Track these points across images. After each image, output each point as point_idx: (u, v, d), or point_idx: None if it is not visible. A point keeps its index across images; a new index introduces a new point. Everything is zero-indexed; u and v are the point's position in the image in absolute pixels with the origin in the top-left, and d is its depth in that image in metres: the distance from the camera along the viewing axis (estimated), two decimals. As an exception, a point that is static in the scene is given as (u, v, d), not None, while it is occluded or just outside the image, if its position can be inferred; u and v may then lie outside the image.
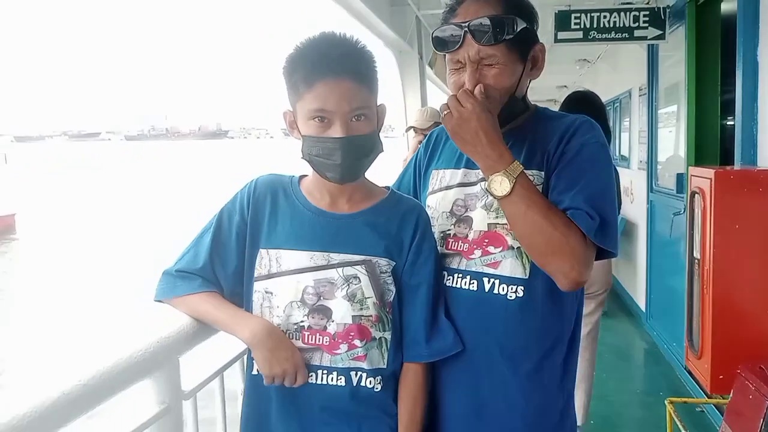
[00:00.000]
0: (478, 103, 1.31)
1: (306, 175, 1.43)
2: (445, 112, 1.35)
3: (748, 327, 2.70)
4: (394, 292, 1.36)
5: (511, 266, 1.39)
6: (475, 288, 1.42)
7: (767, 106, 3.01)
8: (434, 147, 1.64)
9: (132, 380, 1.21)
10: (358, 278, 1.32)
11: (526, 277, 1.39)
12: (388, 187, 1.47)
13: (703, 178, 2.81)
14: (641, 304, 5.83)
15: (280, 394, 1.34)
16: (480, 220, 1.43)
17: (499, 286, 1.40)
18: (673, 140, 4.92)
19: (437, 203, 1.52)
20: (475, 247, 1.43)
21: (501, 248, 1.40)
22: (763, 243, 2.66)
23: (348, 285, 1.32)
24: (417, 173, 1.67)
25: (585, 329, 3.27)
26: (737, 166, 3.16)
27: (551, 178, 1.38)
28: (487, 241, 1.42)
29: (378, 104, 1.34)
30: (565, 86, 10.74)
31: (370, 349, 1.33)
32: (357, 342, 1.32)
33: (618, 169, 7.19)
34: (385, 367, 1.35)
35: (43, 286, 18.80)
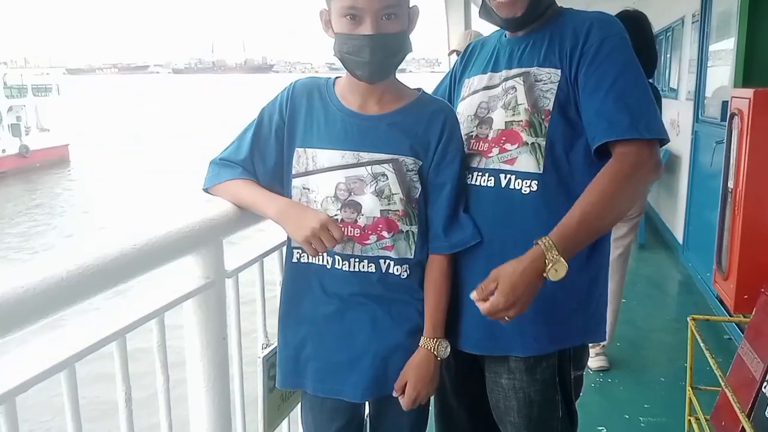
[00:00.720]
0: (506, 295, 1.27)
1: (341, 77, 1.51)
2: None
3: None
4: (420, 189, 1.45)
5: (526, 161, 1.45)
6: (492, 184, 1.48)
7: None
8: (469, 58, 1.69)
9: (180, 252, 1.36)
10: (386, 176, 1.42)
11: (540, 171, 1.44)
12: (419, 89, 1.53)
13: (742, 98, 2.79)
14: (679, 237, 5.80)
15: (319, 279, 1.48)
16: (499, 119, 1.49)
17: (514, 181, 1.46)
18: (723, 70, 4.77)
19: (465, 108, 1.58)
20: (493, 145, 1.49)
21: (516, 145, 1.46)
22: (798, 165, 2.66)
23: (376, 182, 1.42)
24: (452, 83, 1.73)
25: (616, 251, 3.30)
26: (783, 88, 3.10)
27: (578, 77, 1.41)
28: (504, 138, 1.48)
29: (411, 6, 1.39)
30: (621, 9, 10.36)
31: (397, 240, 1.44)
32: (385, 234, 1.43)
33: (665, 100, 7.05)
34: (412, 257, 1.46)
35: (100, 202, 19.79)
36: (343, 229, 1.40)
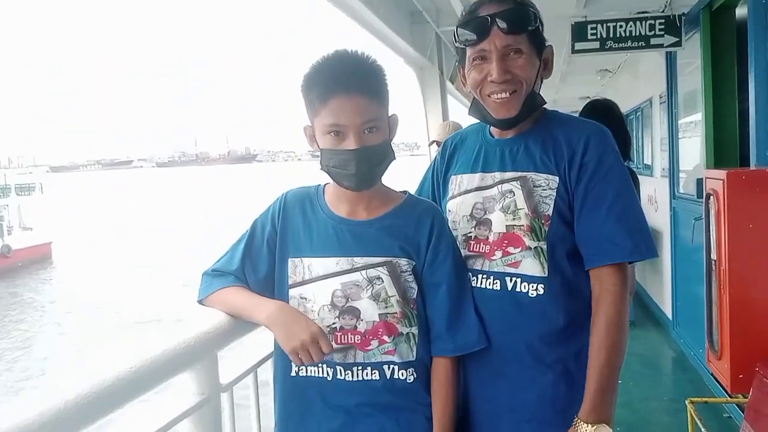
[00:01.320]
0: None
1: (329, 184, 1.54)
2: None
3: (765, 325, 2.73)
4: (416, 289, 1.46)
5: (531, 265, 1.48)
6: (498, 287, 1.50)
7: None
8: (451, 154, 1.71)
9: (175, 371, 1.33)
10: (381, 279, 1.43)
11: (545, 275, 1.47)
12: (405, 192, 1.57)
13: (716, 179, 2.87)
14: (668, 312, 5.82)
15: (320, 393, 1.45)
16: (498, 222, 1.52)
17: (520, 284, 1.48)
18: (694, 147, 4.95)
19: (457, 207, 1.60)
20: (495, 248, 1.51)
21: (520, 248, 1.49)
22: (778, 242, 2.71)
23: (372, 286, 1.42)
24: (435, 181, 1.75)
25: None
26: (753, 168, 3.21)
27: (576, 190, 1.46)
28: (506, 242, 1.50)
29: (390, 115, 1.45)
30: (588, 97, 10.78)
31: (398, 343, 1.43)
32: (386, 338, 1.42)
33: (641, 177, 7.23)
34: (414, 359, 1.45)
35: (81, 303, 19.44)
36: (343, 336, 1.40)
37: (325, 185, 1.55)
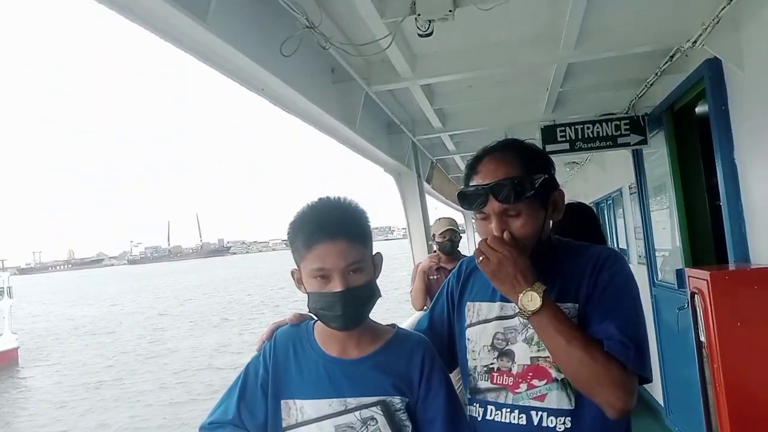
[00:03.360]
0: (512, 248, 1.44)
1: (318, 321, 1.55)
2: (481, 258, 1.47)
3: (766, 421, 2.74)
4: (410, 427, 1.45)
5: (558, 398, 1.47)
6: (524, 422, 1.48)
7: (752, 205, 3.20)
8: (466, 278, 1.71)
9: None
10: (375, 419, 1.42)
11: (573, 407, 1.46)
12: (393, 325, 1.59)
13: (699, 279, 2.96)
14: (659, 398, 5.78)
15: None
16: (522, 353, 1.51)
17: (547, 418, 1.46)
18: (668, 235, 5.10)
19: (477, 336, 1.60)
20: (520, 380, 1.50)
21: (545, 381, 1.48)
22: (767, 338, 2.77)
23: (366, 427, 1.41)
24: (450, 303, 1.73)
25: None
26: (732, 266, 3.31)
27: (586, 307, 1.48)
28: (531, 374, 1.49)
29: (374, 254, 1.50)
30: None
31: None
32: None
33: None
34: None
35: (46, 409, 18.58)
36: None
37: (314, 323, 1.56)
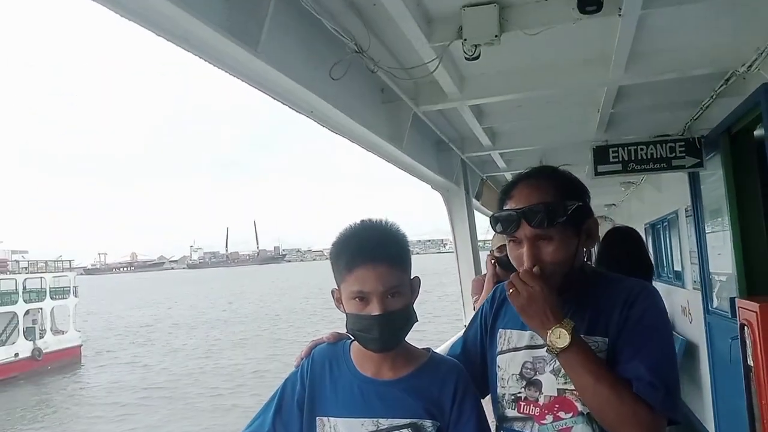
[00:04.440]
0: (544, 284, 1.44)
1: (355, 341, 1.60)
2: (511, 290, 1.47)
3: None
4: None
5: (582, 431, 1.47)
6: None
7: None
8: (499, 304, 1.72)
9: None
10: None
11: None
12: (428, 349, 1.62)
13: (749, 311, 2.88)
14: (710, 428, 5.58)
15: None
16: (549, 384, 1.52)
17: None
18: (725, 261, 4.94)
19: (506, 364, 1.61)
20: (546, 411, 1.51)
21: (571, 414, 1.48)
22: (818, 374, 2.68)
23: None
24: (483, 328, 1.74)
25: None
26: (786, 295, 3.21)
27: (617, 343, 1.47)
28: (557, 406, 1.50)
29: (412, 278, 1.54)
30: (614, 204, 10.90)
31: None
32: None
33: (672, 287, 7.13)
34: None
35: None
36: None
37: (351, 342, 1.60)
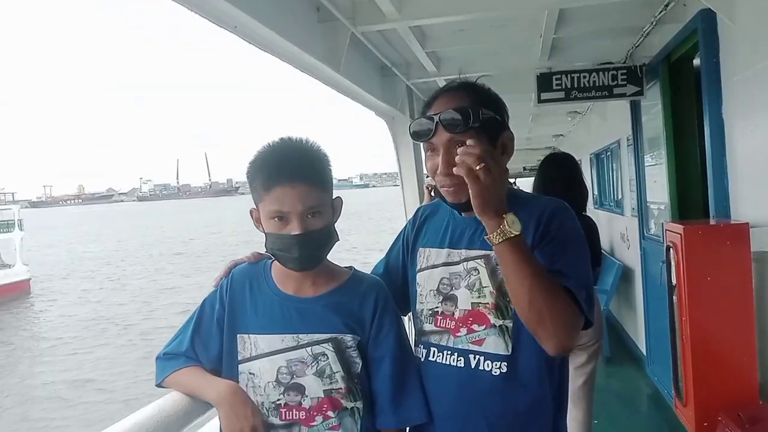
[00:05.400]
0: (504, 172, 1.40)
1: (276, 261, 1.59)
2: (478, 167, 1.32)
3: (727, 375, 2.81)
4: (360, 364, 1.51)
5: (495, 343, 1.51)
6: (462, 365, 1.53)
7: (736, 160, 3.18)
8: (421, 224, 1.75)
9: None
10: (326, 355, 1.48)
11: (509, 353, 1.50)
12: (350, 267, 1.63)
13: (674, 233, 2.98)
14: (642, 348, 5.89)
15: None
16: (464, 299, 1.55)
17: (484, 362, 1.51)
18: (660, 189, 5.09)
19: (425, 281, 1.64)
20: (461, 325, 1.54)
21: (484, 326, 1.52)
22: (734, 294, 2.80)
23: (317, 362, 1.47)
24: (405, 248, 1.77)
25: (579, 380, 3.35)
26: (712, 220, 3.32)
27: (536, 250, 1.47)
28: (471, 319, 1.53)
29: (333, 198, 1.53)
30: (561, 135, 11.02)
31: (342, 418, 1.48)
32: (330, 413, 1.47)
33: (612, 215, 7.36)
34: None
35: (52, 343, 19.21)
36: (288, 412, 1.45)
37: (272, 262, 1.59)
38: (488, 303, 1.52)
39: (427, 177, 4.62)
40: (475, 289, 1.54)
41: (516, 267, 1.36)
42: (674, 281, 3.08)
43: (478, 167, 1.32)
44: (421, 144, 1.60)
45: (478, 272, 1.54)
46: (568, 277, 1.42)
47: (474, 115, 1.47)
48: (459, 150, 1.36)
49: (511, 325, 1.50)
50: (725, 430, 2.64)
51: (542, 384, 1.52)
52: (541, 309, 1.36)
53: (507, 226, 1.34)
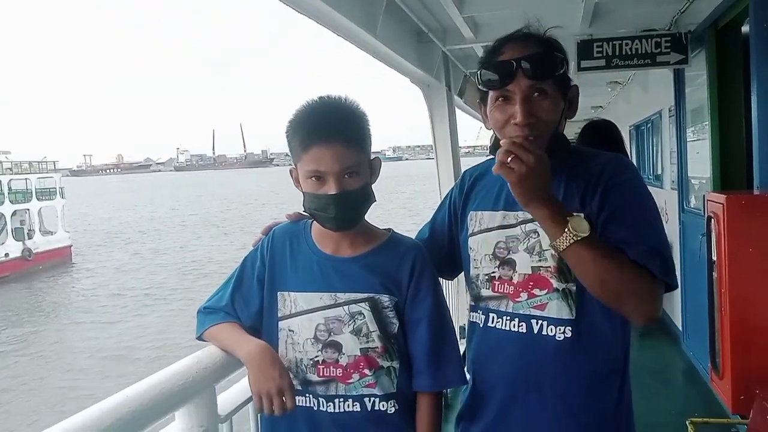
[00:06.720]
0: (542, 157, 1.31)
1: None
2: (509, 158, 1.29)
3: (766, 349, 2.75)
4: (397, 324, 1.51)
5: (558, 308, 1.45)
6: (524, 330, 1.48)
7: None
8: (470, 187, 1.68)
9: (175, 406, 1.40)
10: (363, 314, 1.49)
11: (573, 317, 1.44)
12: (389, 229, 1.62)
13: (716, 203, 2.90)
14: (678, 324, 5.80)
15: (307, 422, 1.50)
16: (523, 263, 1.50)
17: (547, 327, 1.46)
18: (702, 162, 4.95)
19: (479, 245, 1.58)
20: (521, 289, 1.49)
21: (546, 290, 1.46)
22: (777, 266, 2.73)
23: (354, 321, 1.49)
24: (452, 214, 1.71)
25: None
26: (756, 191, 3.22)
27: (599, 218, 1.40)
28: (532, 284, 1.48)
29: (372, 158, 1.51)
30: (601, 106, 10.78)
31: (379, 376, 1.49)
32: (367, 371, 1.48)
33: (652, 189, 7.18)
34: (395, 391, 1.50)
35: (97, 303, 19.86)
36: (326, 369, 1.47)
37: (311, 222, 1.60)
38: (550, 266, 1.46)
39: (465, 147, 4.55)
40: (535, 253, 1.48)
41: (584, 266, 1.33)
42: (714, 254, 3.01)
43: (509, 159, 1.28)
44: (488, 94, 1.48)
45: (538, 234, 1.47)
46: (636, 245, 1.34)
47: (558, 62, 1.42)
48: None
49: (575, 288, 1.44)
50: (762, 404, 2.59)
51: (607, 350, 1.48)
52: (616, 290, 1.32)
53: (571, 231, 1.29)
